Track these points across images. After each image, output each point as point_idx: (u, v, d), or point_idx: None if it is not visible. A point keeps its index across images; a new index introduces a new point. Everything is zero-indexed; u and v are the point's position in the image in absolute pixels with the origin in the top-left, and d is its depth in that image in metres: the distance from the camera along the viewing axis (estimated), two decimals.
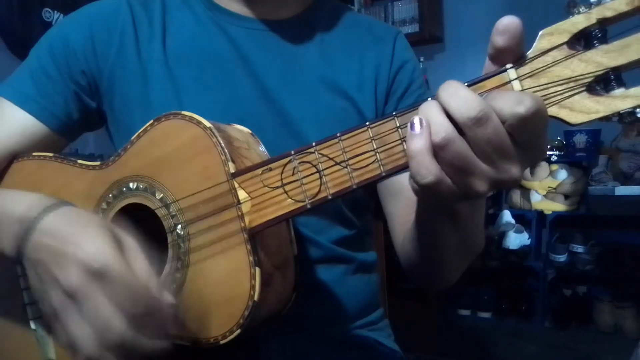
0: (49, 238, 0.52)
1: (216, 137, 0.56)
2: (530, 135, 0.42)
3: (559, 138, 2.93)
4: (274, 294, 0.59)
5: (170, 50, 0.74)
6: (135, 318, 0.48)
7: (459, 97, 0.42)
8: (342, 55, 0.79)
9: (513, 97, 0.41)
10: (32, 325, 0.67)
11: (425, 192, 0.45)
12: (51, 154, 0.70)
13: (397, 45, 0.81)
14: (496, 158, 0.43)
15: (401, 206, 0.76)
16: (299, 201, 0.51)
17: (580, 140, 2.84)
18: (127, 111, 0.74)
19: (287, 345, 0.74)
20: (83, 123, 0.77)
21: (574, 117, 0.42)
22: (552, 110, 0.43)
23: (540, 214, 2.93)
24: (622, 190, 2.56)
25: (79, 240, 0.50)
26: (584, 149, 2.84)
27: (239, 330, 0.54)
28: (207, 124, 0.57)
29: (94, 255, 0.49)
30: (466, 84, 0.44)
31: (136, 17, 0.75)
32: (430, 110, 0.43)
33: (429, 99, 0.45)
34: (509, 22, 0.42)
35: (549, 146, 2.89)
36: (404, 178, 0.76)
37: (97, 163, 0.66)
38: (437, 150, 0.43)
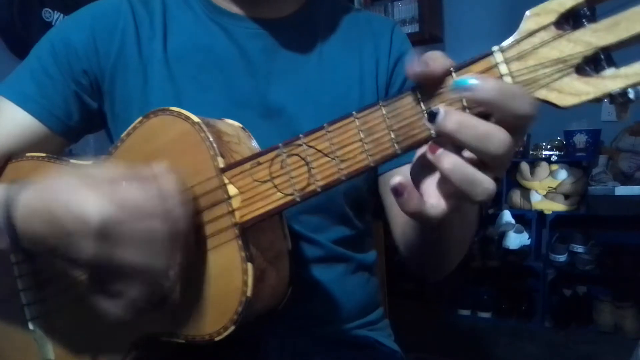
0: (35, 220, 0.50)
1: (205, 132, 0.55)
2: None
3: (559, 138, 2.93)
4: (268, 289, 0.58)
5: (171, 50, 0.74)
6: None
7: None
8: (343, 53, 0.78)
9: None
10: (31, 326, 0.67)
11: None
12: (44, 155, 0.69)
13: (394, 37, 0.81)
14: None
15: None
16: (288, 195, 0.51)
17: (580, 140, 2.83)
18: (127, 110, 0.73)
19: (286, 345, 0.73)
20: (83, 124, 0.77)
21: (564, 100, 0.41)
22: (541, 93, 0.42)
23: (540, 214, 2.92)
24: (622, 190, 2.55)
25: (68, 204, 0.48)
26: (584, 149, 2.83)
27: (233, 327, 0.53)
28: (196, 119, 0.56)
29: (92, 212, 0.46)
30: (452, 68, 0.43)
31: (137, 15, 0.74)
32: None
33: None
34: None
35: (549, 146, 2.90)
36: (404, 169, 0.76)
37: (90, 162, 0.65)
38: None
